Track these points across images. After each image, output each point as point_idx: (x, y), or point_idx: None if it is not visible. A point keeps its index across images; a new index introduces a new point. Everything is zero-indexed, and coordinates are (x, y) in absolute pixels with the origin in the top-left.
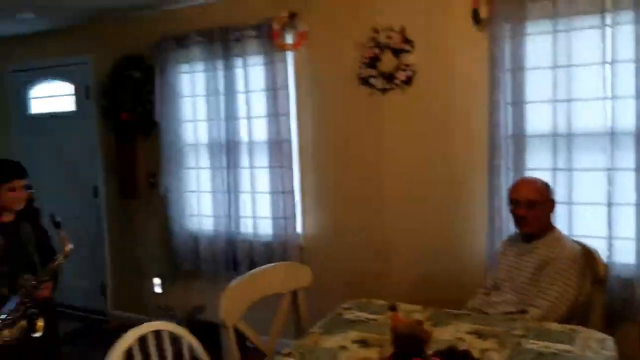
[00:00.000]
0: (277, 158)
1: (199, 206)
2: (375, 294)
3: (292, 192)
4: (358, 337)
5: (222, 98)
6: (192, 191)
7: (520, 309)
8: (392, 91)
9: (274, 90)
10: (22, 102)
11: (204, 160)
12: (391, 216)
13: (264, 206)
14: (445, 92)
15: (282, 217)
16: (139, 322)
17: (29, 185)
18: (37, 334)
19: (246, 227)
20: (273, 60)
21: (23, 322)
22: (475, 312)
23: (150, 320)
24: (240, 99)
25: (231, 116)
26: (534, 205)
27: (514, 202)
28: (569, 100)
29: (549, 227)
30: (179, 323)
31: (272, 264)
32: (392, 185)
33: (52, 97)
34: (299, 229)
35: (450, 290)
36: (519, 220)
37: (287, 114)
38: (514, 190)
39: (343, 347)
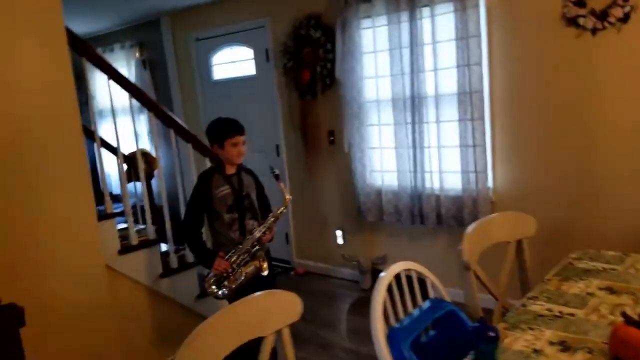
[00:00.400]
0: (466, 110)
1: (381, 162)
2: (579, 246)
3: (483, 145)
4: (603, 285)
5: (406, 51)
6: (375, 147)
7: None
8: (604, 31)
9: (464, 39)
10: (206, 69)
11: (387, 116)
12: (600, 169)
13: (452, 161)
14: None
15: (473, 171)
16: (322, 270)
17: (244, 141)
18: (264, 273)
19: (432, 182)
20: (464, 6)
21: (255, 262)
22: None
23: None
24: (427, 50)
25: (416, 69)
26: None
27: None
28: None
29: None
30: (361, 272)
31: (501, 213)
32: (602, 137)
33: (233, 62)
34: (489, 183)
35: None
36: None
37: (479, 64)
38: None
39: (590, 294)
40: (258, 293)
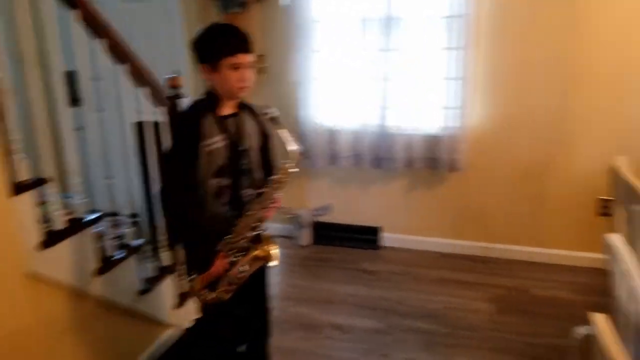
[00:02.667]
0: (453, 37)
1: (338, 96)
2: (554, 183)
3: (467, 78)
4: None
5: None
6: (330, 78)
7: None
8: None
9: None
10: None
11: (350, 40)
12: (577, 108)
13: (429, 95)
14: None
15: (455, 107)
16: None
17: (252, 65)
18: (274, 263)
19: (399, 119)
20: None
21: (259, 250)
22: None
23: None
24: None
25: None
26: None
27: None
28: None
29: None
30: (299, 226)
31: None
32: (584, 75)
33: None
34: (468, 120)
35: None
36: None
37: None
38: None
39: None
40: None
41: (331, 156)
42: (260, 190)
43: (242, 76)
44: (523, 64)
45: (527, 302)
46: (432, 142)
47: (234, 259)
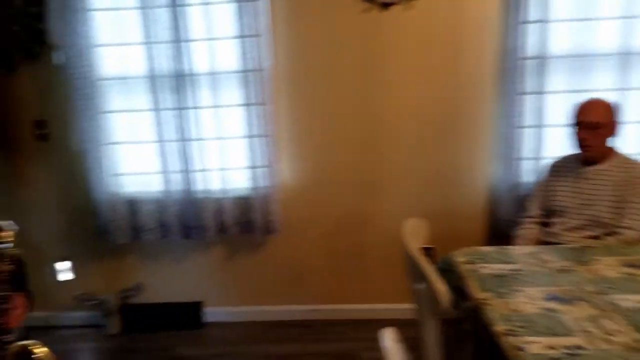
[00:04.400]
0: (252, 92)
1: (134, 162)
2: (371, 237)
3: (272, 134)
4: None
5: (162, 12)
6: (122, 142)
7: (600, 233)
8: (395, 7)
9: (243, 1)
10: None
11: (141, 99)
12: (384, 153)
13: (233, 155)
14: (454, 9)
15: (263, 165)
16: (43, 321)
17: None
18: None
19: (207, 183)
20: None
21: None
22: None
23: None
24: (195, 12)
25: (179, 37)
26: (598, 127)
27: (579, 124)
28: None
29: (610, 149)
30: (105, 314)
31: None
32: (386, 119)
33: None
34: (277, 178)
35: (454, 224)
36: (582, 143)
37: (259, 35)
38: (580, 112)
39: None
40: None
41: (134, 229)
42: None
43: None
44: (327, 115)
45: None
46: (244, 205)
47: None
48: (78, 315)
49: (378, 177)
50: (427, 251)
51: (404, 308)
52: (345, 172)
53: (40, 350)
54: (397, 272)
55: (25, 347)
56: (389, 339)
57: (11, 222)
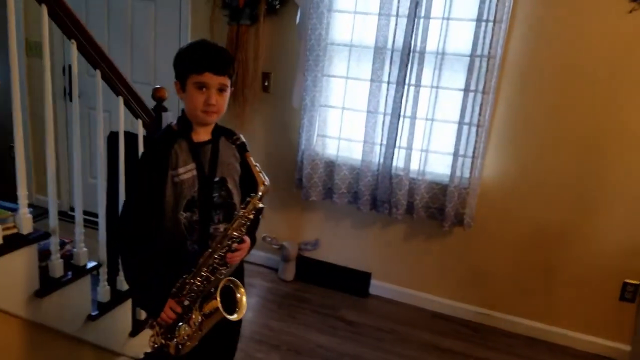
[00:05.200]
0: (475, 78)
1: (341, 127)
2: (571, 253)
3: (485, 125)
4: None
5: None
6: (335, 107)
7: None
8: None
9: None
10: None
11: (361, 68)
12: (608, 174)
13: (441, 139)
14: None
15: (469, 155)
16: None
17: (223, 88)
18: (234, 317)
19: (407, 161)
20: None
21: (213, 301)
22: None
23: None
24: None
25: (419, 13)
26: None
27: None
28: None
29: None
30: (284, 259)
31: None
32: (627, 130)
33: None
34: (480, 171)
35: None
36: None
37: (499, 21)
38: None
39: None
40: None
41: (327, 190)
42: (224, 227)
43: (207, 98)
44: (553, 114)
45: None
46: (439, 191)
47: (190, 304)
48: (260, 255)
49: (600, 190)
50: None
51: (586, 340)
52: (559, 178)
53: (240, 290)
54: (590, 299)
55: (233, 282)
56: None
57: (267, 179)
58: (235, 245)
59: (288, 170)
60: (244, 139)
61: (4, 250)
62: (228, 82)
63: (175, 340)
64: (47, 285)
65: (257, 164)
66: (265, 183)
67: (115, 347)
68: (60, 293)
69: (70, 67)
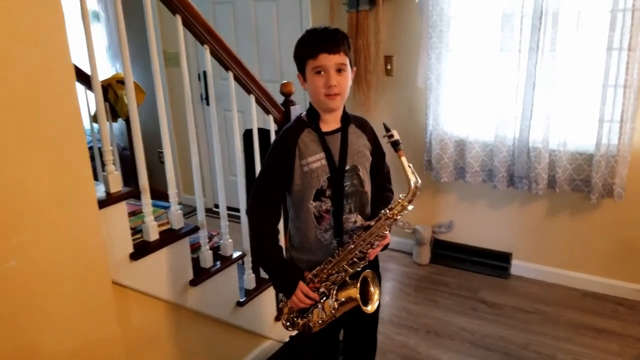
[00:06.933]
0: (618, 35)
1: (470, 104)
2: None
3: (633, 85)
4: None
5: None
6: (462, 83)
7: None
8: None
9: None
10: None
11: (488, 39)
12: None
13: (580, 105)
14: None
15: (616, 120)
16: None
17: (341, 68)
18: (370, 308)
19: (546, 132)
20: None
21: (352, 290)
22: None
23: None
24: None
25: None
26: None
27: None
28: None
29: None
30: (418, 243)
31: None
32: None
33: None
34: (631, 137)
35: None
36: None
37: None
38: None
39: None
40: None
41: (459, 170)
42: (368, 223)
43: (326, 81)
44: None
45: None
46: (583, 162)
47: (325, 291)
48: (393, 239)
49: None
50: None
51: None
52: None
53: (375, 283)
54: None
55: (370, 275)
56: None
57: (419, 179)
58: (378, 242)
59: (417, 153)
60: (397, 137)
61: (162, 244)
62: (345, 59)
63: (305, 320)
64: (199, 274)
65: (410, 164)
66: (417, 185)
67: (262, 331)
68: (211, 281)
69: (204, 73)
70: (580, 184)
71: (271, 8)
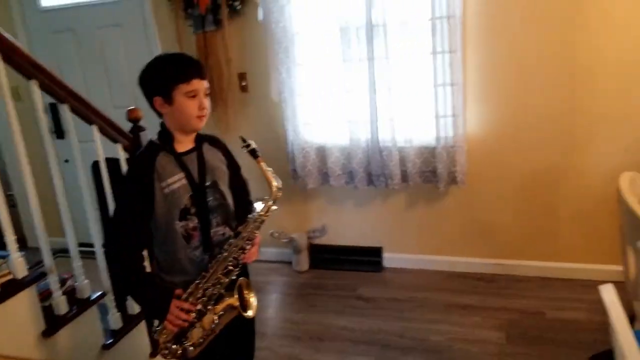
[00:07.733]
0: (440, 40)
1: (324, 111)
2: (565, 192)
3: (459, 83)
4: None
5: None
6: (313, 93)
7: None
8: None
9: None
10: None
11: (330, 51)
12: (585, 107)
13: (419, 105)
14: None
15: (449, 115)
16: None
17: (208, 92)
18: (249, 314)
19: (393, 132)
20: None
21: (231, 299)
22: None
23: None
24: None
25: None
26: None
27: None
28: None
29: None
30: (295, 251)
31: None
32: (587, 71)
33: None
34: (464, 129)
35: None
36: None
37: None
38: None
39: None
40: None
41: (323, 175)
42: (237, 230)
43: (200, 104)
44: (521, 63)
45: (541, 328)
46: (428, 155)
47: (202, 309)
48: (271, 251)
49: (578, 128)
50: None
51: (596, 269)
52: (538, 122)
53: (249, 289)
54: (593, 231)
55: (246, 283)
56: (610, 294)
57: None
58: (249, 247)
59: (281, 163)
60: (254, 145)
61: (3, 298)
62: (207, 85)
63: (186, 344)
64: (54, 323)
65: (271, 169)
66: (279, 186)
67: None
68: (69, 328)
69: (51, 105)
70: (429, 175)
71: (116, 33)
